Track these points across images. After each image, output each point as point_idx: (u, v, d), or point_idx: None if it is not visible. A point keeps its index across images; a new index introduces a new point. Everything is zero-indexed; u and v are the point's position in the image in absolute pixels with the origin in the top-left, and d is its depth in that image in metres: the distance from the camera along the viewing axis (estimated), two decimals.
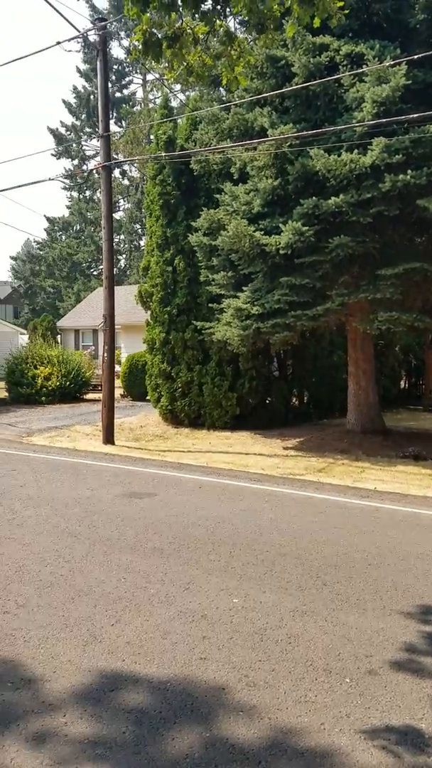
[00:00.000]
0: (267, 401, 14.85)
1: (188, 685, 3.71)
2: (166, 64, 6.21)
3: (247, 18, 5.82)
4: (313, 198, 10.37)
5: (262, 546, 6.22)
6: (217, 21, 5.75)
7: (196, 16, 5.74)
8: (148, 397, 16.46)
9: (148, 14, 5.48)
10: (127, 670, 3.87)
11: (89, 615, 4.60)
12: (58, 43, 11.12)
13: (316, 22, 5.84)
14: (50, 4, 10.61)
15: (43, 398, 20.34)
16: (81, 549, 6.06)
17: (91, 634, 4.30)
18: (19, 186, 20.86)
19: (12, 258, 54.30)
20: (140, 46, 5.63)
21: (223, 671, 3.87)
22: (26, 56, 10.68)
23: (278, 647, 4.16)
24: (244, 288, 11.82)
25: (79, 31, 11.89)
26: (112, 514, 7.33)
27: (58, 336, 32.79)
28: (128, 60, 43.32)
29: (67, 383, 20.91)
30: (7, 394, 21.28)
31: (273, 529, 6.86)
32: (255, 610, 4.72)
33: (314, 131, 10.45)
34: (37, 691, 3.64)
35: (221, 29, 5.85)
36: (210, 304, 13.44)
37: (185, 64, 5.94)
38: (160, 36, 5.63)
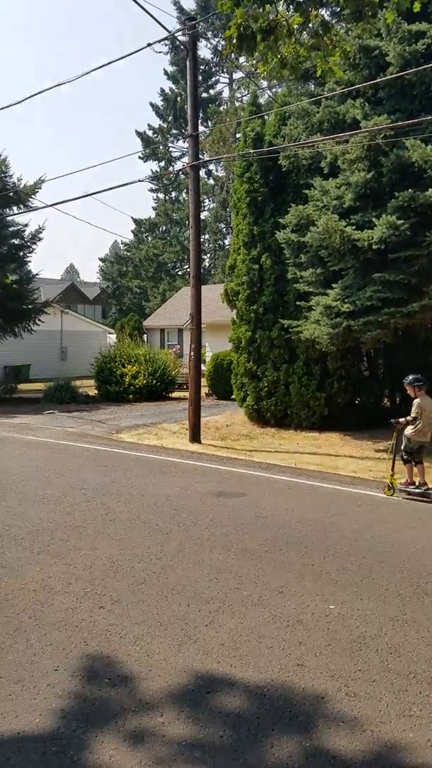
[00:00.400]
0: (356, 402, 14.46)
1: (285, 692, 3.61)
2: (260, 58, 6.13)
3: (343, 7, 5.65)
4: (409, 190, 9.99)
5: (358, 551, 6.02)
6: (312, 11, 5.60)
7: (291, 7, 5.62)
8: (233, 396, 16.43)
9: (242, 8, 5.41)
10: (223, 673, 3.81)
11: (183, 614, 4.58)
12: (149, 44, 11.26)
13: (417, 7, 5.58)
14: (140, 5, 10.75)
15: (131, 396, 20.74)
16: (172, 547, 6.08)
17: (185, 634, 4.28)
18: (110, 189, 21.41)
19: (101, 260, 56.00)
20: (234, 40, 5.55)
21: (321, 679, 3.73)
22: (118, 59, 10.91)
23: (378, 657, 3.98)
24: (334, 285, 11.54)
25: (168, 32, 12.01)
26: (201, 513, 7.32)
27: (145, 335, 33.43)
28: (215, 60, 43.62)
29: (154, 381, 21.23)
30: (96, 391, 21.86)
31: (368, 534, 6.63)
32: (353, 617, 4.55)
33: (410, 121, 10.06)
34: (133, 688, 3.64)
35: (316, 20, 5.68)
36: (297, 302, 13.23)
37: (279, 56, 5.83)
38: (254, 29, 5.54)
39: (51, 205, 18.73)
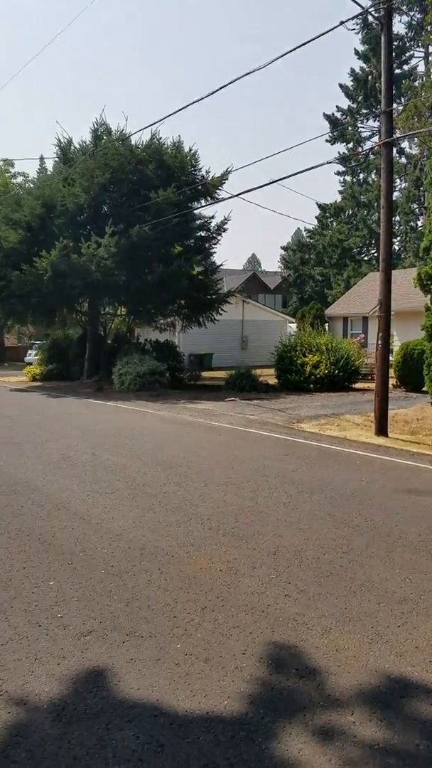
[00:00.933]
0: None
1: None
2: None
3: None
4: None
5: None
6: None
7: None
8: (424, 389, 15.55)
9: None
10: (418, 678, 3.56)
11: (372, 612, 4.37)
12: (342, 23, 10.91)
13: None
14: None
15: (311, 386, 20.57)
16: (360, 542, 5.86)
17: (376, 632, 4.08)
18: (296, 173, 21.22)
19: (283, 248, 56.18)
20: None
21: None
22: (309, 41, 10.62)
23: None
24: None
25: (362, 8, 11.53)
26: (390, 509, 6.99)
27: (326, 324, 32.97)
28: (410, 35, 41.55)
29: (336, 371, 20.84)
30: (276, 380, 22.01)
31: None
32: None
33: None
34: (321, 683, 3.54)
35: None
36: None
37: None
38: None
39: (236, 195, 19.02)
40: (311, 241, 50.61)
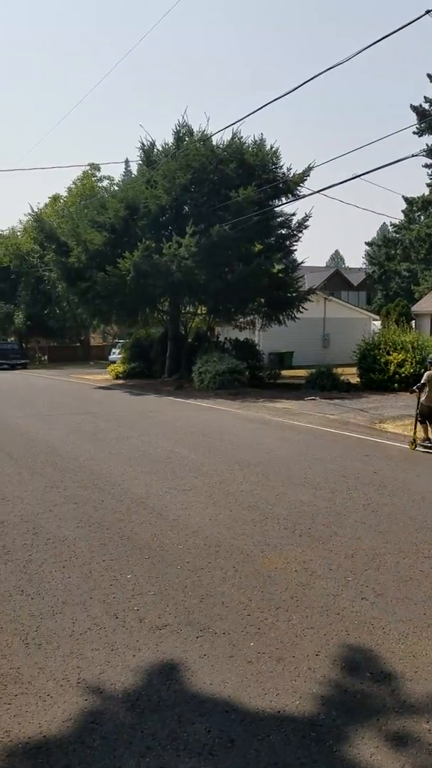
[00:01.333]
0: None
1: None
2: None
3: None
4: None
5: None
6: None
7: None
8: None
9: None
10: None
11: None
12: (428, 11, 10.54)
13: None
14: None
15: (395, 385, 20.01)
16: None
17: None
18: (381, 167, 20.67)
19: (367, 244, 54.98)
20: None
21: None
22: (393, 33, 10.31)
23: None
24: None
25: None
26: None
27: (413, 321, 32.01)
28: None
29: (422, 370, 20.19)
30: (358, 379, 21.57)
31: None
32: None
33: None
34: (396, 688, 3.46)
35: None
36: None
37: None
38: None
39: (318, 191, 18.83)
40: (397, 235, 49.19)
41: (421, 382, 10.71)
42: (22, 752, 2.94)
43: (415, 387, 10.87)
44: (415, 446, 10.60)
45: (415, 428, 10.81)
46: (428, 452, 10.32)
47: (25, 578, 4.98)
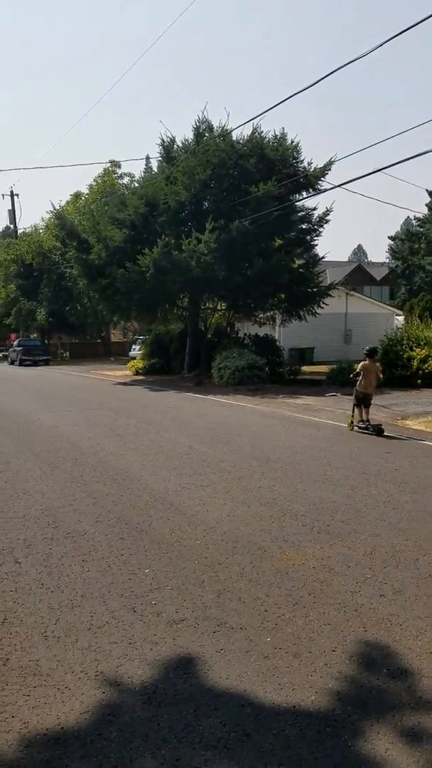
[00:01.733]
0: None
1: None
2: None
3: None
4: None
5: None
6: None
7: None
8: None
9: None
10: None
11: None
12: None
13: None
14: None
15: (418, 381, 19.83)
16: None
17: None
18: (403, 161, 20.44)
19: (390, 238, 54.42)
20: None
21: None
22: (414, 25, 10.11)
23: None
24: None
25: None
26: None
27: None
28: None
29: None
30: (381, 375, 21.40)
31: None
32: None
33: None
34: (413, 684, 3.44)
35: None
36: None
37: None
38: None
39: (339, 185, 18.73)
40: (421, 229, 48.70)
41: (357, 370, 12.33)
42: (40, 743, 2.99)
43: (351, 376, 12.93)
44: (353, 427, 12.05)
45: (353, 412, 12.25)
46: (363, 432, 11.66)
47: (45, 571, 5.04)
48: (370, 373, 12.15)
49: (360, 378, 12.12)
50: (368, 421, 11.91)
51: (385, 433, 11.43)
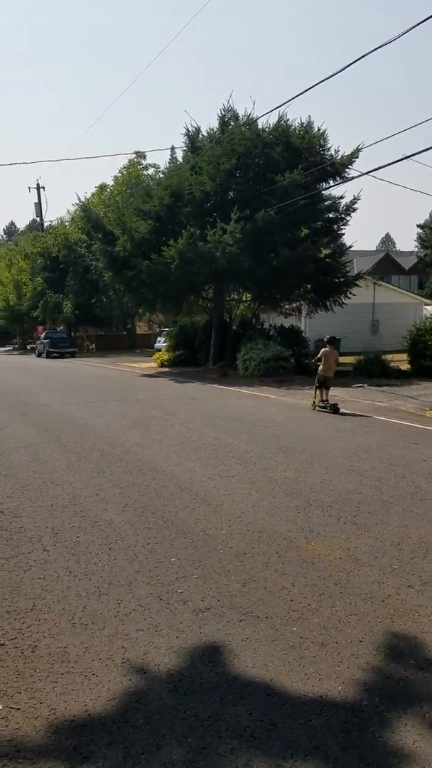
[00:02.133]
0: None
1: None
2: None
3: None
4: None
5: None
6: None
7: None
8: None
9: None
10: None
11: None
12: None
13: None
14: None
15: None
16: None
17: None
18: (430, 148, 19.99)
19: (419, 226, 53.66)
20: None
21: None
22: None
23: None
24: None
25: None
26: None
27: None
28: None
29: None
30: (409, 366, 21.16)
31: None
32: None
33: None
34: None
35: None
36: None
37: None
38: None
39: (367, 173, 18.44)
40: None
41: (319, 356, 13.85)
42: (67, 729, 3.02)
43: (314, 359, 14.83)
44: (315, 407, 13.54)
45: (315, 393, 13.77)
46: (323, 411, 13.12)
47: (73, 559, 5.09)
48: (330, 359, 13.56)
49: (321, 363, 13.57)
50: (327, 400, 13.36)
51: (345, 412, 12.89)
